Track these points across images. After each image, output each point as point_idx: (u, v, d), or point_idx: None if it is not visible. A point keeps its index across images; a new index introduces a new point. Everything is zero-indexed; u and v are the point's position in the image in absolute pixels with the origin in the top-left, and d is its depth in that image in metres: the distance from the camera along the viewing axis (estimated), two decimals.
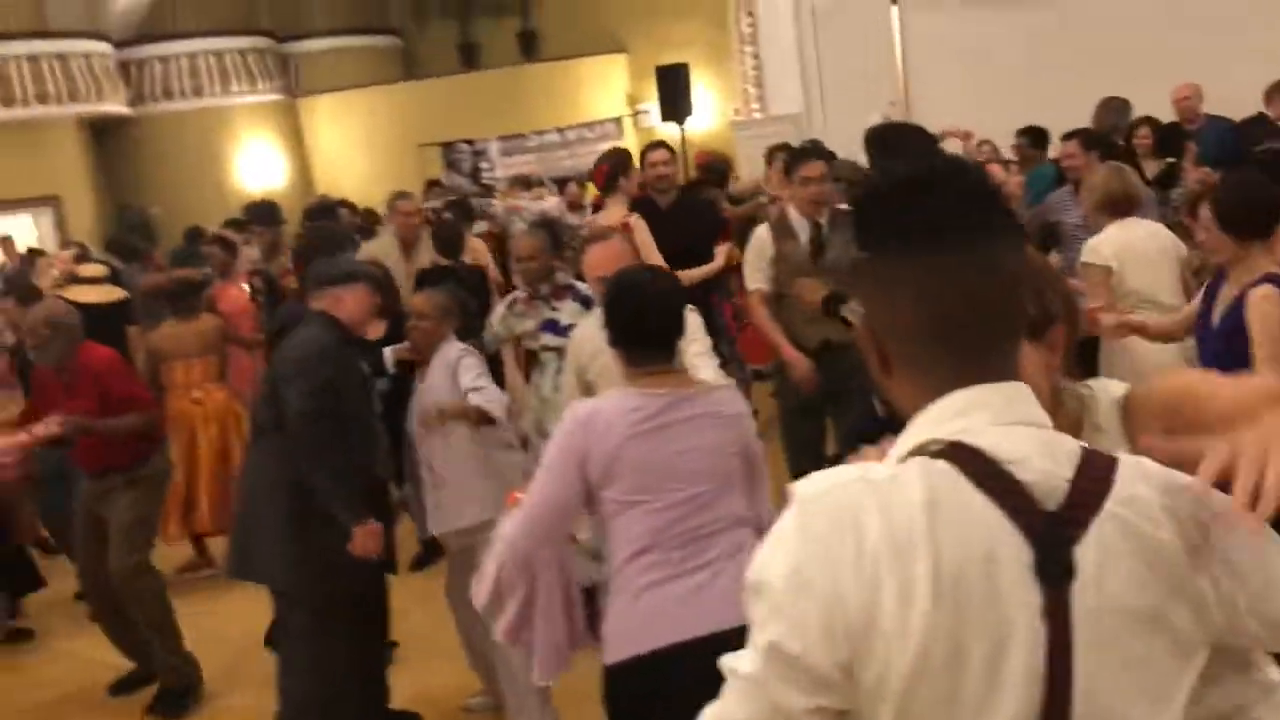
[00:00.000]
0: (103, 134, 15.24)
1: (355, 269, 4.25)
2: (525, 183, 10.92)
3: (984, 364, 1.18)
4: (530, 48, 16.34)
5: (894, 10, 12.55)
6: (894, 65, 12.52)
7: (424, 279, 5.69)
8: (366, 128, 16.04)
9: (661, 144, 6.43)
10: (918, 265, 1.17)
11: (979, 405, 1.17)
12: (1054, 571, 1.10)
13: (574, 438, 2.71)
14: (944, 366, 1.18)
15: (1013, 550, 1.11)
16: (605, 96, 15.62)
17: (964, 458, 1.13)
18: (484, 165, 15.75)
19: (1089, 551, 1.12)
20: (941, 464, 1.14)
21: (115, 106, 14.50)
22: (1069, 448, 1.18)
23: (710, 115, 14.89)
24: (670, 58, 14.19)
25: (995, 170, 7.13)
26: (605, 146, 15.07)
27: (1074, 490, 1.14)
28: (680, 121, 13.68)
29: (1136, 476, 1.16)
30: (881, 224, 1.21)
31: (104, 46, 14.41)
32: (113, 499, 4.66)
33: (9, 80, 13.32)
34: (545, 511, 2.74)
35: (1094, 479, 1.15)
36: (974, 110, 9.41)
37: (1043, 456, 1.15)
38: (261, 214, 7.51)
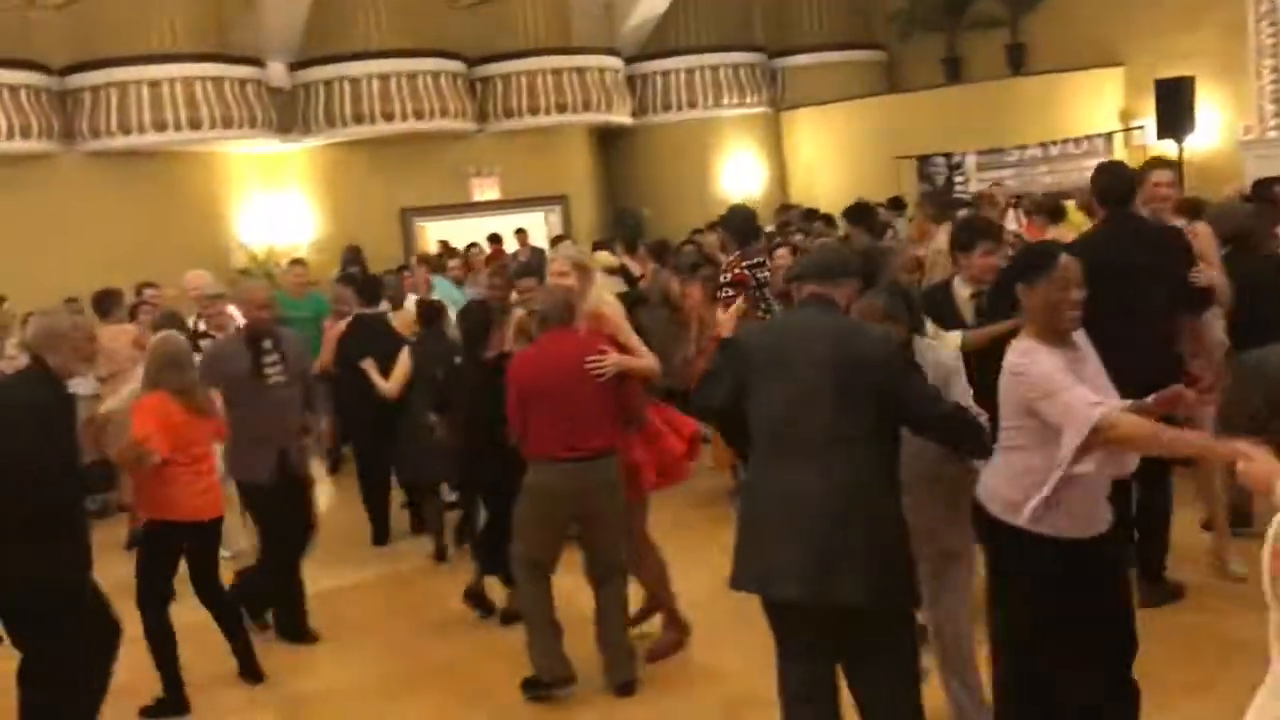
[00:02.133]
0: (606, 141, 16.79)
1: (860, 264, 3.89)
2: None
3: None
4: (1018, 61, 15.92)
5: None
6: None
7: None
8: (844, 140, 16.41)
9: (1165, 163, 6.08)
10: None
11: None
12: None
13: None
14: None
15: None
16: (1096, 111, 14.90)
17: None
18: (958, 179, 15.58)
19: None
20: None
21: (621, 117, 15.90)
22: None
23: (1214, 133, 13.78)
24: (1173, 70, 13.31)
25: None
26: (1090, 163, 14.45)
27: None
28: (1179, 139, 12.81)
29: None
30: None
31: (615, 61, 15.84)
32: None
33: (535, 91, 15.03)
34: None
35: None
36: None
37: None
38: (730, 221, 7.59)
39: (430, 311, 7.17)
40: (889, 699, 3.40)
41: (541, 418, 4.62)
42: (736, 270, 6.36)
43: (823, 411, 3.30)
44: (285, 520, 5.64)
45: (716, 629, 5.14)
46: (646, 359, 4.92)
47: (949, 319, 4.64)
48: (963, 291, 4.83)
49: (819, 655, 3.45)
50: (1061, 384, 3.16)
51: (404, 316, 8.17)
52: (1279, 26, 12.79)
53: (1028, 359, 3.26)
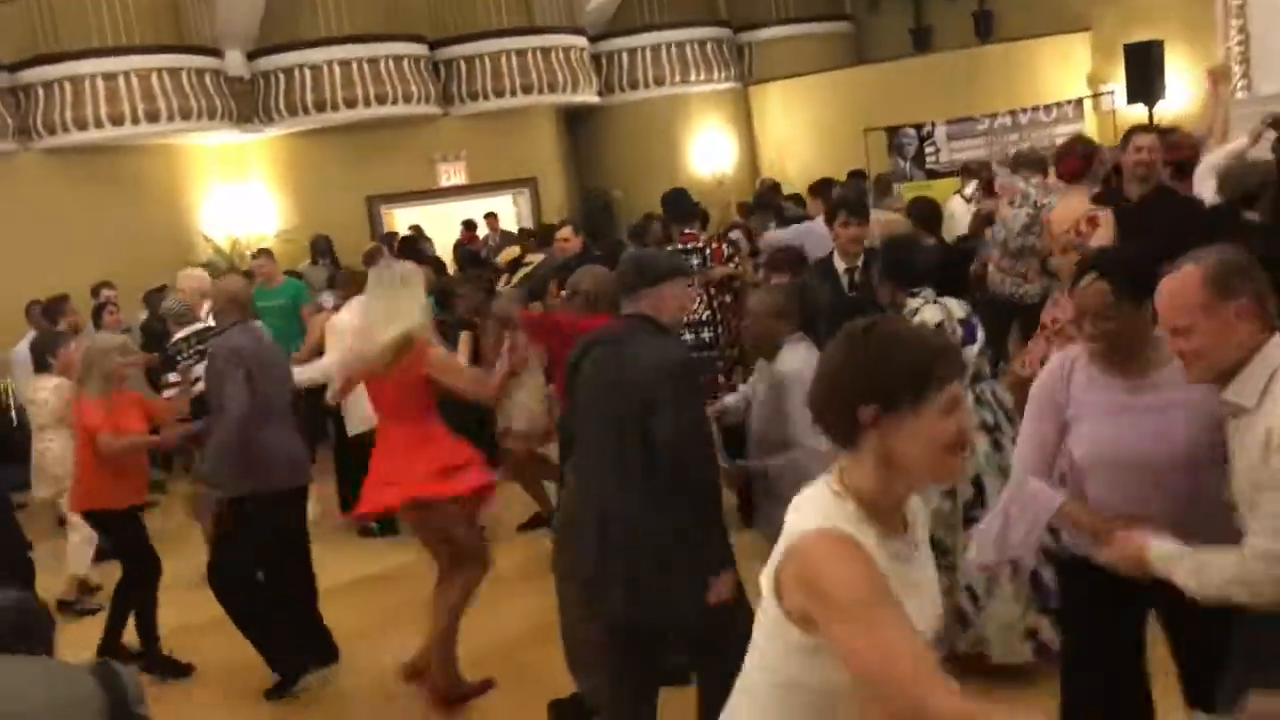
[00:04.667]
0: (574, 121, 16.59)
1: (677, 263, 3.90)
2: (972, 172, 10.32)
3: None
4: (986, 29, 15.83)
5: None
6: None
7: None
8: (813, 113, 16.29)
9: (1147, 128, 5.99)
10: None
11: None
12: None
13: None
14: None
15: None
16: (1064, 77, 14.83)
17: None
18: (929, 149, 15.49)
19: None
20: None
21: (587, 96, 15.69)
22: None
23: (1183, 97, 13.72)
24: (1140, 34, 13.24)
25: None
26: (1061, 130, 14.41)
27: None
28: (1150, 103, 12.74)
29: None
30: None
31: (580, 40, 15.62)
32: None
33: (500, 72, 14.81)
34: None
35: None
36: None
37: None
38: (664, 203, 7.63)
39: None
40: None
41: None
42: None
43: None
44: None
45: None
46: None
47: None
48: (839, 265, 5.29)
49: None
50: None
51: None
52: None
53: None
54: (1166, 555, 2.48)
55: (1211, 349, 2.39)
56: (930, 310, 4.16)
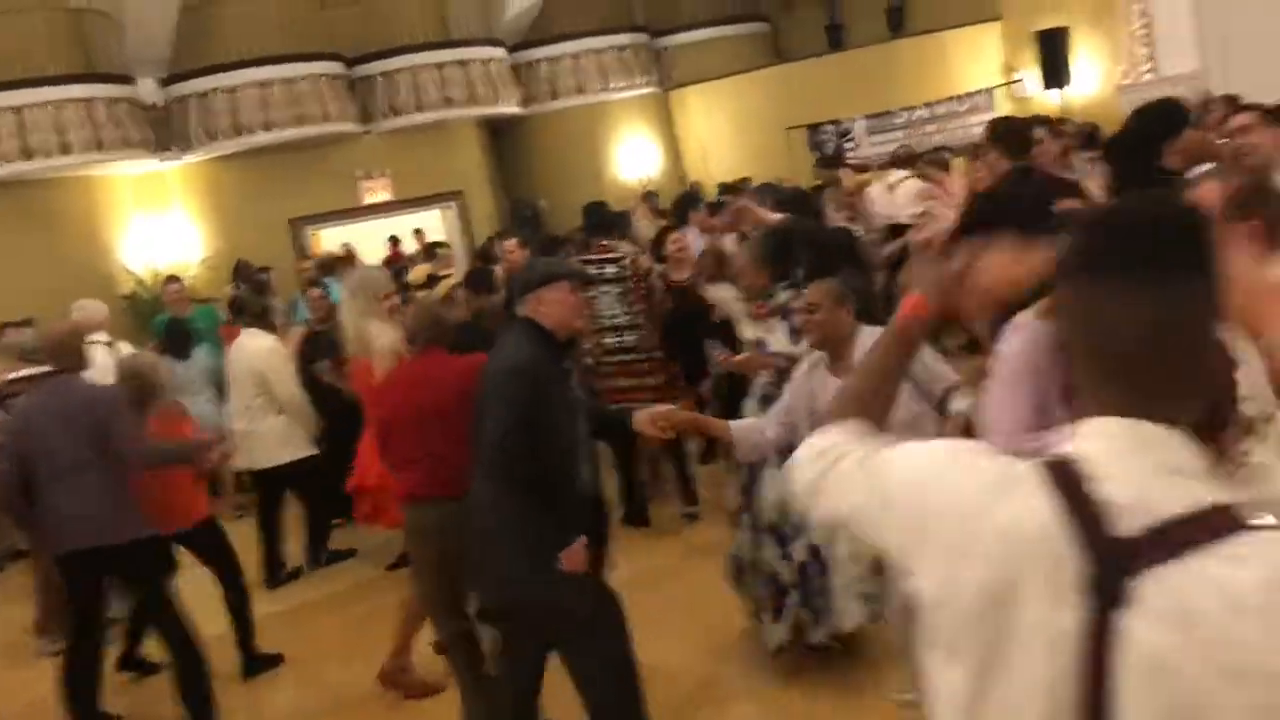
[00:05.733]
0: (498, 133, 16.56)
1: (555, 268, 3.93)
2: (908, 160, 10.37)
3: (1149, 402, 1.18)
4: (899, 23, 16.09)
5: None
6: None
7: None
8: (734, 114, 16.42)
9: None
10: (1103, 292, 1.19)
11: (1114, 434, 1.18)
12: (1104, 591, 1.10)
13: None
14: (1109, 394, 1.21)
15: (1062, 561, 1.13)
16: (977, 67, 15.11)
17: (1053, 464, 1.19)
18: (849, 145, 15.70)
19: (1154, 590, 1.09)
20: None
21: (509, 107, 15.66)
22: (1198, 496, 1.14)
23: (1092, 81, 14.06)
24: (1049, 21, 13.54)
25: None
26: (976, 119, 14.70)
27: (1165, 527, 1.11)
28: (1061, 88, 13.04)
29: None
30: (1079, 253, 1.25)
31: (499, 51, 15.59)
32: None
33: (419, 87, 14.72)
34: None
35: (1200, 527, 1.10)
36: None
37: (1152, 488, 1.13)
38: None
39: None
40: None
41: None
42: None
43: None
44: None
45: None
46: None
47: None
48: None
49: None
50: None
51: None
52: None
53: None
54: None
55: None
56: (785, 295, 4.56)
